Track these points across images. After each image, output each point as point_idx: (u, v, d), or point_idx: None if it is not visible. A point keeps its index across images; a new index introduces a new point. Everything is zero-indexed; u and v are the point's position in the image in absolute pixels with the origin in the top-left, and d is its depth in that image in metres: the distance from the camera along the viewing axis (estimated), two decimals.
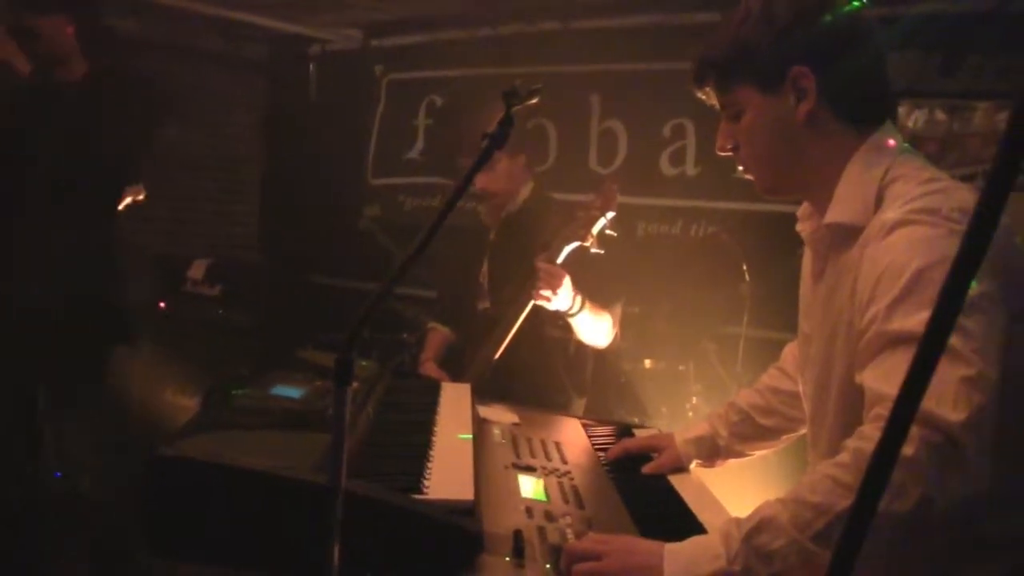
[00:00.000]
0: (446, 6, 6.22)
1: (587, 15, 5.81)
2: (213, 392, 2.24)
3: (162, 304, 5.92)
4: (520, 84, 1.77)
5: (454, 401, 2.52)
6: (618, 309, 3.36)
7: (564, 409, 3.27)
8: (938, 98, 4.58)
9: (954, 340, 1.36)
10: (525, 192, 3.49)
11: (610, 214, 3.06)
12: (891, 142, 1.74)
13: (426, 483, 1.77)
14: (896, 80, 1.84)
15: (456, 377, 3.32)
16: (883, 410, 1.43)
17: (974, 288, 1.35)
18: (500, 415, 2.53)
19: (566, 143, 5.94)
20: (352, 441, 1.83)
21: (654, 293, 4.78)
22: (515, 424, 2.47)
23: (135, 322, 4.06)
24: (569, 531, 1.73)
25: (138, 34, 6.31)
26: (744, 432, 2.29)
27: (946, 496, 1.33)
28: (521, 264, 3.18)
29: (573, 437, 2.52)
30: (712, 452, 2.33)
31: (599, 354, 3.52)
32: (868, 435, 1.43)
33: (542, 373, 3.39)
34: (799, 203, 1.98)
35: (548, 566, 1.56)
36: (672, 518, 1.96)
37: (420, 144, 6.75)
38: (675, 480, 2.25)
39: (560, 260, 3.06)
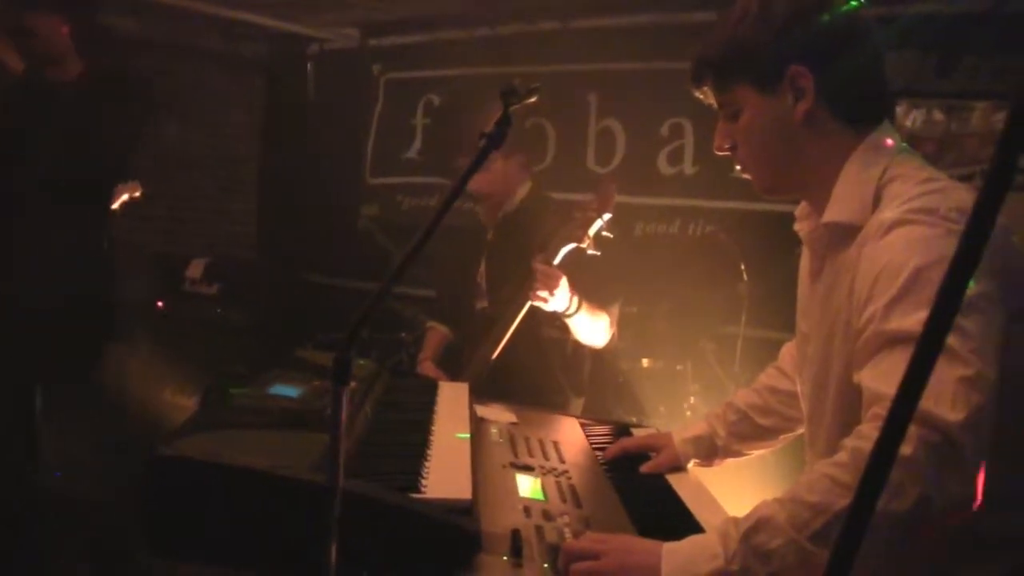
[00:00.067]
0: (444, 5, 6.22)
1: (585, 14, 5.81)
2: (211, 391, 2.24)
3: (160, 303, 5.92)
4: (518, 83, 1.77)
5: (452, 400, 2.51)
6: (615, 309, 3.36)
7: (562, 409, 3.27)
8: (936, 98, 4.58)
9: (952, 340, 1.36)
10: (523, 192, 3.48)
11: (607, 215, 3.06)
12: (889, 142, 1.74)
13: (424, 482, 1.77)
14: (894, 80, 1.84)
15: (454, 377, 3.32)
16: (881, 409, 1.43)
17: (972, 288, 1.35)
18: (498, 414, 2.53)
19: (564, 142, 5.94)
20: (350, 440, 1.84)
21: (652, 292, 4.78)
22: (513, 423, 2.47)
23: (129, 320, 4.05)
24: (567, 530, 1.72)
25: (137, 33, 6.31)
26: (742, 431, 2.29)
27: (944, 496, 1.33)
28: (519, 264, 3.18)
29: (571, 436, 2.51)
30: (710, 451, 2.33)
31: (597, 354, 3.52)
32: (866, 434, 1.43)
33: (540, 373, 3.39)
34: (797, 202, 1.98)
35: (546, 565, 1.56)
36: (670, 517, 1.96)
37: (418, 144, 6.75)
38: (673, 479, 2.25)
39: (557, 261, 3.06)
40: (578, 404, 3.51)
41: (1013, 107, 0.68)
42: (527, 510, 1.80)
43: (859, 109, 1.77)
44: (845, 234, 1.72)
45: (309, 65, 7.42)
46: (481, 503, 1.75)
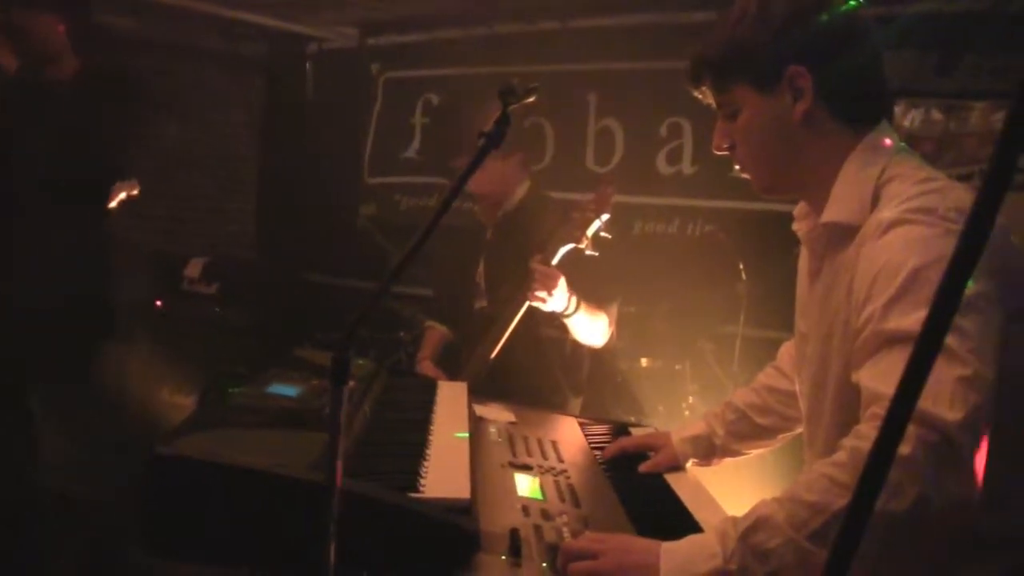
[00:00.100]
0: (443, 5, 6.22)
1: (584, 14, 5.81)
2: (210, 390, 2.24)
3: (159, 302, 5.92)
4: (517, 83, 1.77)
5: (451, 400, 2.51)
6: (614, 309, 3.36)
7: (560, 408, 3.27)
8: (934, 98, 4.58)
9: (950, 340, 1.36)
10: (521, 191, 3.48)
11: (605, 216, 3.06)
12: (887, 141, 1.74)
13: (422, 482, 1.77)
14: (892, 80, 1.84)
15: (453, 376, 3.32)
16: (879, 409, 1.43)
17: (970, 288, 1.35)
18: (496, 414, 2.53)
19: (563, 142, 5.94)
20: (348, 440, 1.84)
21: (650, 292, 4.78)
22: (511, 423, 2.47)
23: (128, 320, 4.05)
24: (565, 530, 1.73)
25: (136, 33, 6.31)
26: (740, 431, 2.30)
27: (943, 495, 1.33)
28: (517, 264, 3.18)
29: (569, 436, 2.52)
30: (708, 451, 2.33)
31: (596, 353, 3.52)
32: (864, 434, 1.43)
33: (538, 372, 3.39)
34: (795, 202, 1.98)
35: (544, 565, 1.56)
36: (668, 517, 1.96)
37: (416, 143, 6.75)
38: (671, 479, 2.25)
39: (555, 261, 3.06)
40: (577, 403, 3.51)
41: (1013, 107, 0.68)
42: (526, 509, 1.80)
43: (858, 109, 1.77)
44: (844, 234, 1.72)
45: (308, 64, 7.42)
46: (480, 502, 1.75)
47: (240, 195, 7.68)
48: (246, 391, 2.12)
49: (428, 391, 2.59)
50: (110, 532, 3.69)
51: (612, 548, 1.55)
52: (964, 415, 1.33)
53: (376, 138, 7.00)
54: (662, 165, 5.59)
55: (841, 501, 1.39)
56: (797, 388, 2.02)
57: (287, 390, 2.14)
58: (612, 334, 3.39)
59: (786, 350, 2.29)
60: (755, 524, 1.45)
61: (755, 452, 2.34)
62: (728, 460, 2.35)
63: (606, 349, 3.49)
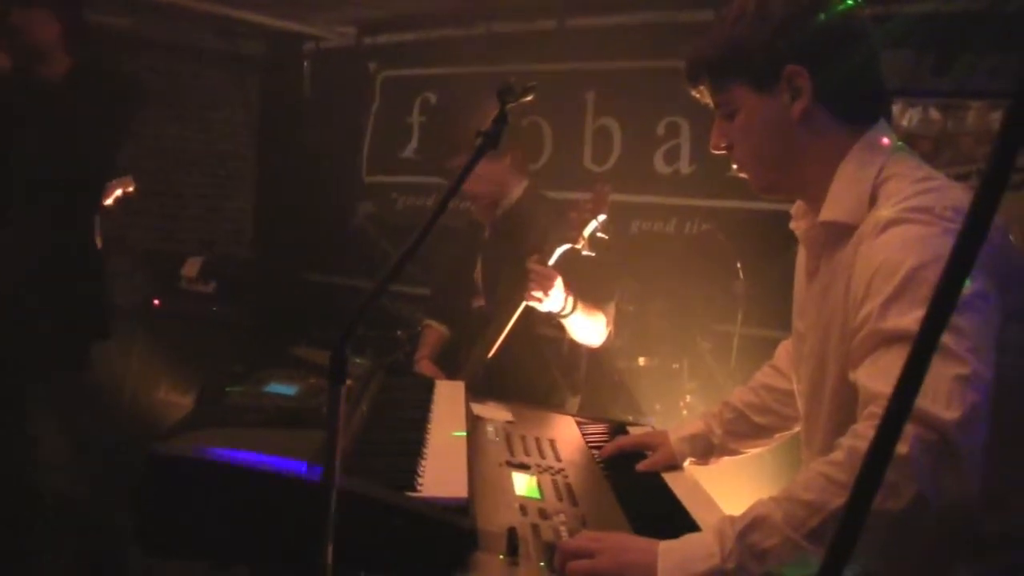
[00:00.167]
0: (440, 3, 6.22)
1: (581, 13, 5.81)
2: (207, 389, 2.24)
3: (156, 301, 5.92)
4: (515, 82, 1.77)
5: (448, 399, 2.52)
6: (611, 309, 3.36)
7: (558, 407, 3.27)
8: (932, 97, 4.58)
9: (948, 339, 1.36)
10: (518, 191, 3.48)
11: (601, 217, 3.06)
12: (885, 141, 1.75)
13: (420, 481, 1.77)
14: (890, 79, 1.84)
15: (451, 375, 3.32)
16: (877, 408, 1.43)
17: (968, 287, 1.35)
18: (494, 413, 2.53)
19: (561, 141, 5.94)
20: (346, 438, 1.84)
21: (648, 291, 4.79)
22: (509, 422, 2.48)
23: (125, 319, 4.04)
24: (563, 529, 1.73)
25: (134, 32, 6.31)
26: (738, 430, 2.30)
27: (940, 495, 1.33)
28: (514, 263, 3.18)
29: (567, 435, 2.52)
30: (706, 450, 2.33)
31: (593, 352, 3.52)
32: (862, 433, 1.44)
33: (536, 372, 3.39)
34: (793, 201, 1.98)
35: (542, 564, 1.56)
36: (666, 516, 1.96)
37: (414, 142, 6.74)
38: (669, 478, 2.25)
39: (552, 262, 3.06)
40: (574, 402, 3.51)
41: (1010, 106, 0.68)
42: (523, 508, 1.80)
43: (855, 108, 1.77)
44: (841, 233, 1.72)
45: (305, 63, 7.40)
46: (477, 501, 1.75)
47: (238, 194, 7.68)
48: (244, 390, 2.12)
49: (426, 390, 2.60)
50: (105, 531, 3.69)
51: (609, 547, 1.55)
52: (962, 414, 1.33)
53: (374, 137, 6.99)
54: (659, 164, 5.58)
55: (838, 500, 1.39)
56: (795, 387, 2.02)
57: (285, 389, 2.15)
58: (610, 333, 3.39)
59: (784, 349, 2.29)
60: (752, 523, 1.46)
61: (753, 451, 2.34)
62: (726, 459, 2.35)
63: (604, 348, 3.49)
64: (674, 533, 1.58)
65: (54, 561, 3.66)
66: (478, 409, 2.52)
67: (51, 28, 3.53)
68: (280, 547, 1.53)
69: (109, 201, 4.01)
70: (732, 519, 1.50)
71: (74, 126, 3.46)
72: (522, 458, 2.14)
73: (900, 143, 1.77)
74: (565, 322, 3.17)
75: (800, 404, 1.96)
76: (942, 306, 0.73)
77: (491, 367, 3.17)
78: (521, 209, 3.45)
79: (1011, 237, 1.64)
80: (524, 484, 1.96)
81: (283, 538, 1.52)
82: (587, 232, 3.04)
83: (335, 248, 6.82)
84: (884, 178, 1.67)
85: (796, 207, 1.97)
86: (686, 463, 2.34)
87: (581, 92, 5.89)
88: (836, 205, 1.73)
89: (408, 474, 1.78)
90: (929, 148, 4.52)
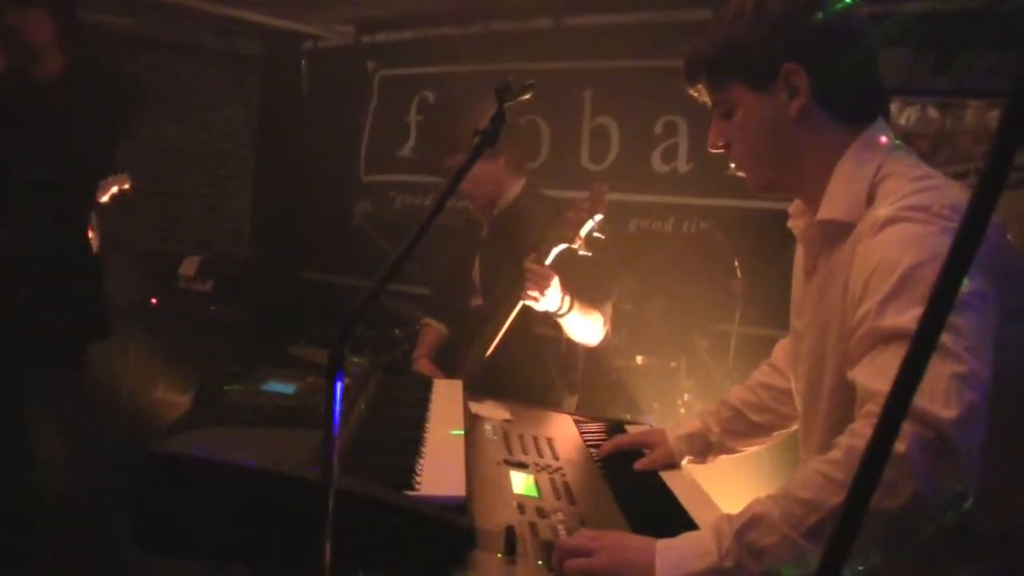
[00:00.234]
0: (438, 3, 6.22)
1: (579, 12, 5.81)
2: (205, 388, 2.24)
3: (154, 300, 5.91)
4: (513, 80, 1.77)
5: (446, 397, 2.52)
6: (608, 308, 3.37)
7: (556, 406, 3.27)
8: (930, 96, 4.58)
9: (945, 337, 1.36)
10: (516, 190, 3.48)
11: (598, 216, 3.05)
12: (883, 139, 1.75)
13: (418, 479, 1.77)
14: (888, 77, 1.84)
15: (449, 374, 3.32)
16: (875, 407, 1.43)
17: (965, 286, 1.35)
18: (492, 411, 2.53)
19: (558, 140, 5.94)
20: (344, 437, 1.84)
21: (646, 290, 4.79)
22: (507, 420, 2.48)
23: (122, 318, 4.03)
24: (561, 527, 1.73)
25: (132, 31, 6.31)
26: (736, 428, 2.30)
27: (938, 493, 1.34)
28: (512, 262, 3.18)
29: (565, 433, 2.52)
30: (704, 448, 2.33)
31: (591, 351, 3.52)
32: (859, 432, 1.44)
33: (534, 370, 3.39)
34: (791, 200, 1.98)
35: (540, 562, 1.56)
36: (664, 514, 1.96)
37: (412, 141, 6.74)
38: (667, 476, 2.25)
39: (549, 261, 3.06)
40: (572, 401, 3.51)
41: (1008, 105, 0.68)
42: (521, 507, 1.80)
43: (853, 107, 1.77)
44: (839, 232, 1.72)
45: (303, 62, 7.40)
46: (475, 500, 1.75)
47: (236, 193, 7.68)
48: (242, 389, 2.12)
49: (423, 389, 2.60)
50: (107, 531, 3.69)
51: (607, 546, 1.55)
52: (959, 413, 1.34)
53: (372, 136, 6.99)
54: (657, 163, 5.59)
55: (836, 498, 1.39)
56: (792, 385, 2.02)
57: (283, 388, 2.14)
58: (607, 332, 3.40)
59: (781, 347, 2.29)
60: (750, 521, 1.46)
61: (750, 449, 2.34)
62: (723, 457, 2.36)
63: (601, 347, 3.49)
64: (672, 532, 1.58)
65: (53, 561, 3.66)
66: (476, 408, 2.52)
67: (45, 28, 3.52)
68: (278, 546, 1.53)
69: (105, 198, 4.00)
70: (730, 517, 1.50)
71: (69, 125, 3.45)
72: (520, 457, 2.14)
73: (898, 142, 1.77)
74: (562, 321, 3.17)
75: (798, 402, 1.96)
76: (940, 305, 0.73)
77: (489, 366, 3.17)
78: (519, 208, 3.45)
79: (1009, 236, 1.64)
80: (522, 483, 1.96)
81: (281, 537, 1.52)
82: (583, 232, 3.04)
83: (333, 247, 6.82)
84: (882, 176, 1.67)
85: (794, 206, 1.97)
86: (684, 462, 2.34)
87: (579, 91, 5.89)
88: (834, 204, 1.74)
89: (406, 473, 1.78)
90: (927, 147, 4.52)
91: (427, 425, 2.19)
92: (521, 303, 3.07)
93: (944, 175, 1.69)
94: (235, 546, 1.56)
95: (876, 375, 1.46)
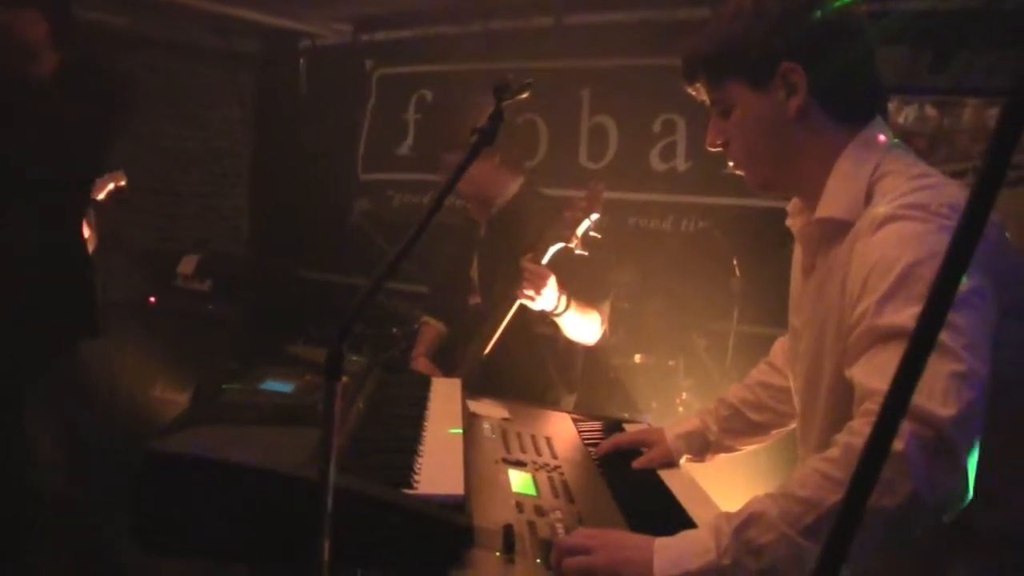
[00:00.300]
0: (437, 1, 6.22)
1: (577, 11, 5.81)
2: (204, 387, 2.24)
3: (152, 299, 5.91)
4: (511, 79, 1.77)
5: (444, 396, 2.52)
6: (606, 307, 3.36)
7: (554, 405, 3.27)
8: (928, 94, 4.59)
9: (944, 336, 1.36)
10: (514, 188, 3.47)
11: (595, 216, 3.05)
12: (881, 138, 1.75)
13: (416, 478, 1.77)
14: (886, 76, 1.84)
15: (448, 372, 3.32)
16: (873, 405, 1.43)
17: (964, 284, 1.35)
18: (490, 410, 2.53)
19: (556, 138, 5.94)
20: (342, 436, 1.84)
21: (644, 288, 4.79)
22: (505, 419, 2.48)
23: (121, 317, 4.02)
24: (559, 526, 1.73)
25: (129, 30, 6.30)
26: (734, 427, 2.30)
27: (936, 492, 1.34)
28: (510, 260, 3.18)
29: (563, 432, 2.52)
30: (702, 447, 2.33)
31: (589, 350, 3.52)
32: (858, 430, 1.44)
33: (532, 369, 3.39)
34: (789, 198, 1.98)
35: (538, 561, 1.56)
36: (662, 513, 1.96)
37: (410, 140, 6.74)
38: (665, 475, 2.25)
39: (545, 260, 3.06)
40: (570, 400, 3.51)
41: (1006, 103, 0.68)
42: (519, 506, 1.80)
43: (851, 105, 1.77)
44: (837, 230, 1.72)
45: (302, 61, 7.40)
46: (474, 499, 1.75)
47: (233, 191, 7.68)
48: (240, 387, 2.13)
49: (422, 387, 2.60)
50: (105, 529, 3.69)
51: (606, 544, 1.55)
52: (957, 411, 1.34)
53: (370, 134, 6.98)
54: (656, 161, 5.59)
55: (834, 497, 1.39)
56: (791, 384, 2.02)
57: (281, 386, 2.15)
58: (605, 331, 3.39)
59: (779, 346, 2.29)
60: (748, 520, 1.46)
61: (749, 448, 2.34)
62: (722, 456, 2.36)
63: (600, 345, 3.49)
64: (670, 530, 1.58)
65: (53, 560, 3.66)
66: (474, 406, 2.52)
67: (39, 27, 3.51)
68: (277, 544, 1.53)
69: (101, 196, 4.00)
70: (728, 515, 1.50)
71: (64, 125, 3.44)
72: (518, 455, 2.14)
73: (896, 140, 1.77)
74: (559, 321, 3.17)
75: (796, 401, 1.96)
76: (938, 303, 0.73)
77: (487, 364, 3.17)
78: (517, 206, 3.45)
79: (1007, 234, 1.64)
80: (520, 481, 1.96)
81: (280, 535, 1.52)
82: (580, 231, 3.04)
83: (331, 246, 6.82)
84: (880, 175, 1.67)
85: (792, 204, 1.97)
86: (682, 460, 2.34)
87: (577, 89, 5.89)
88: (832, 202, 1.74)
89: (404, 471, 1.78)
90: (925, 145, 4.52)
91: (425, 424, 2.19)
92: (518, 302, 3.07)
93: (942, 174, 1.69)
94: (234, 545, 1.56)
95: (874, 373, 1.46)
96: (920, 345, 0.73)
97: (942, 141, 4.55)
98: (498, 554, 1.55)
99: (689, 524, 1.84)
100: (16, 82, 3.51)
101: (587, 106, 5.89)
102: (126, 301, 5.60)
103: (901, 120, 4.60)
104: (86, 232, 3.78)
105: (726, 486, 2.47)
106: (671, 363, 4.62)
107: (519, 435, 2.33)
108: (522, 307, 3.08)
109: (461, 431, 2.15)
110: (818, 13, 1.73)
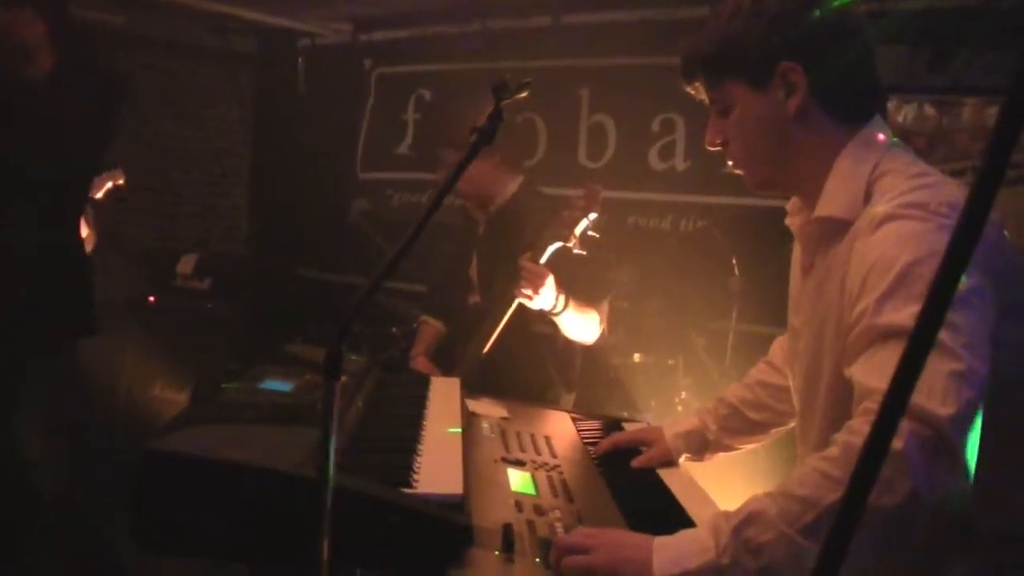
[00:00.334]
0: (435, 1, 6.22)
1: (576, 10, 5.81)
2: (203, 386, 2.24)
3: (151, 298, 5.91)
4: (510, 78, 1.77)
5: (443, 395, 2.52)
6: (605, 306, 3.36)
7: (553, 404, 3.27)
8: (927, 93, 4.58)
9: (943, 335, 1.36)
10: (512, 187, 3.47)
11: (593, 215, 3.05)
12: (880, 137, 1.75)
13: (415, 477, 1.77)
14: (885, 75, 1.84)
15: (447, 371, 3.32)
16: (872, 404, 1.43)
17: (963, 283, 1.35)
18: (489, 409, 2.53)
19: (555, 138, 5.93)
20: (342, 435, 1.84)
21: (643, 287, 4.79)
22: (504, 418, 2.48)
23: (119, 316, 4.01)
24: (558, 525, 1.73)
25: (127, 29, 6.30)
26: (733, 426, 2.30)
27: (935, 490, 1.34)
28: (509, 259, 3.17)
29: (562, 431, 2.52)
30: (701, 446, 2.33)
31: (588, 349, 3.52)
32: (857, 429, 1.44)
33: (531, 368, 3.39)
34: (789, 198, 1.98)
35: (537, 560, 1.56)
36: (661, 512, 1.96)
37: (409, 139, 6.74)
38: (664, 474, 2.25)
39: (544, 260, 3.06)
40: (569, 399, 3.51)
41: (1006, 102, 0.68)
42: (519, 505, 1.80)
43: (850, 104, 1.78)
44: (836, 229, 1.72)
45: (300, 60, 7.39)
46: (473, 498, 1.75)
47: (232, 191, 7.68)
48: (239, 387, 2.12)
49: (421, 386, 2.60)
50: (104, 529, 3.69)
51: (605, 543, 1.55)
52: (956, 410, 1.34)
53: (368, 134, 6.98)
54: (655, 161, 5.59)
55: (833, 496, 1.39)
56: (790, 383, 2.03)
57: (280, 386, 2.14)
58: (603, 330, 3.39)
59: (779, 345, 2.30)
60: (747, 518, 1.46)
61: (748, 447, 2.34)
62: (721, 455, 2.36)
63: (599, 345, 3.49)
64: (669, 529, 1.58)
65: (52, 560, 3.65)
66: (473, 406, 2.52)
67: (36, 27, 3.50)
68: (276, 544, 1.53)
69: (99, 195, 3.99)
70: (727, 514, 1.50)
71: (61, 124, 3.44)
72: (517, 454, 2.14)
73: (895, 139, 1.77)
74: (557, 320, 3.17)
75: (795, 400, 1.96)
76: (938, 302, 0.73)
77: (486, 363, 3.17)
78: (516, 205, 3.44)
79: (1006, 233, 1.64)
80: (519, 480, 1.96)
81: (279, 535, 1.52)
82: (578, 230, 3.04)
83: (330, 245, 6.82)
84: (879, 174, 1.68)
85: (792, 203, 1.97)
86: (681, 459, 2.34)
87: (576, 88, 5.89)
88: (831, 201, 1.74)
89: (403, 471, 1.78)
90: (924, 144, 4.52)
91: (424, 423, 2.19)
92: (517, 301, 3.07)
93: (941, 173, 1.69)
94: (233, 544, 1.56)
95: (873, 372, 1.46)
96: (919, 344, 0.73)
97: (941, 140, 4.55)
98: (497, 553, 1.55)
99: (688, 523, 1.84)
100: (13, 82, 3.51)
101: (586, 105, 5.89)
102: (125, 300, 5.60)
103: (900, 119, 4.60)
104: (84, 231, 3.77)
105: (725, 485, 2.47)
106: (670, 362, 4.62)
107: (518, 434, 2.33)
108: (521, 306, 3.08)
109: (460, 430, 2.15)
110: (817, 12, 1.73)
